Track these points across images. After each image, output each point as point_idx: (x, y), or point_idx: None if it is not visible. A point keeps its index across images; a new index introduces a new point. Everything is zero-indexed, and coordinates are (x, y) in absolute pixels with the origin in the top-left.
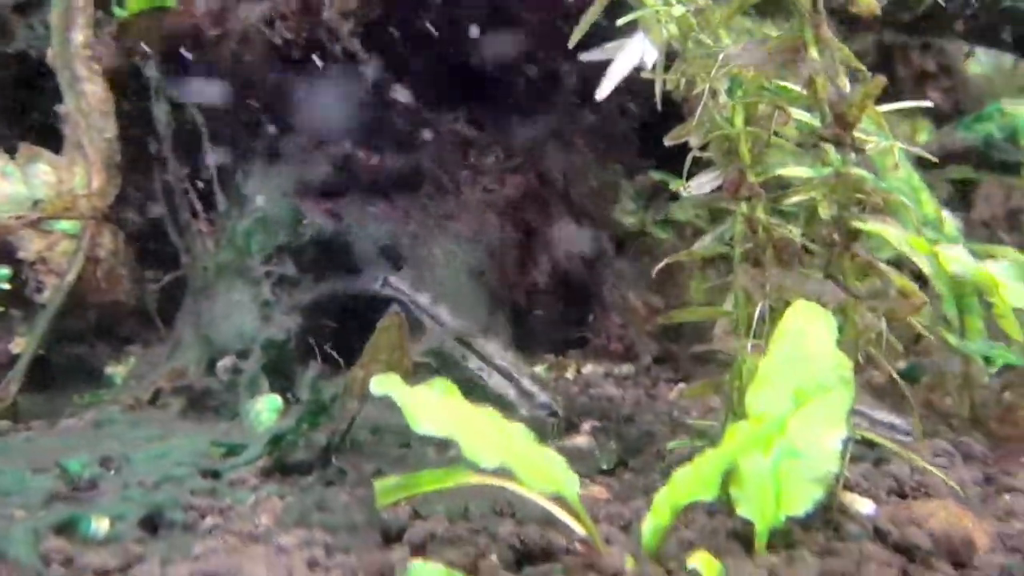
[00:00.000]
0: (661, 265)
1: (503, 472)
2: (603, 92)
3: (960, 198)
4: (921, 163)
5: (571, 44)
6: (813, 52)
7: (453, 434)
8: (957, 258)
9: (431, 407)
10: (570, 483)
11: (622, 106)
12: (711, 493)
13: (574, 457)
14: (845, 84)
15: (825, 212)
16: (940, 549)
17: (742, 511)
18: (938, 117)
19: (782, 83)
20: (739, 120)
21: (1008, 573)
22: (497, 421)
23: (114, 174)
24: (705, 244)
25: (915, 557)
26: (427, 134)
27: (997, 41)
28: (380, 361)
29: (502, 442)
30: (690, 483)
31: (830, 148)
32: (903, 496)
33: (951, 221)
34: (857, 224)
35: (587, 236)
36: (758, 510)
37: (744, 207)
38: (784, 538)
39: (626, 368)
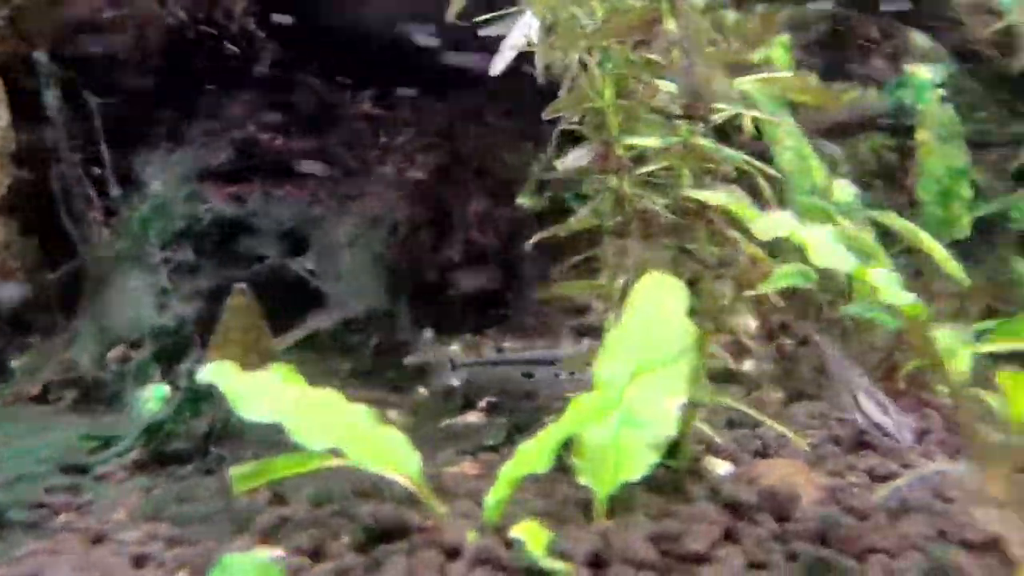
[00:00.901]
0: (534, 240)
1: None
2: (496, 68)
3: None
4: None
5: (449, 17)
6: (670, 24)
7: (280, 418)
8: (779, 224)
9: (260, 392)
10: (411, 462)
11: (535, 83)
12: (545, 465)
13: (462, 434)
14: (699, 55)
15: (684, 183)
16: (765, 505)
17: (582, 479)
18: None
19: (646, 55)
20: (608, 93)
21: (822, 521)
22: (336, 405)
23: (6, 163)
24: (579, 218)
25: (743, 514)
26: (336, 115)
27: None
28: (234, 342)
29: (337, 425)
30: (529, 456)
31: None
32: (765, 457)
33: (846, 188)
34: (692, 194)
35: (504, 213)
36: (597, 477)
37: (613, 180)
38: (626, 503)
39: (542, 344)
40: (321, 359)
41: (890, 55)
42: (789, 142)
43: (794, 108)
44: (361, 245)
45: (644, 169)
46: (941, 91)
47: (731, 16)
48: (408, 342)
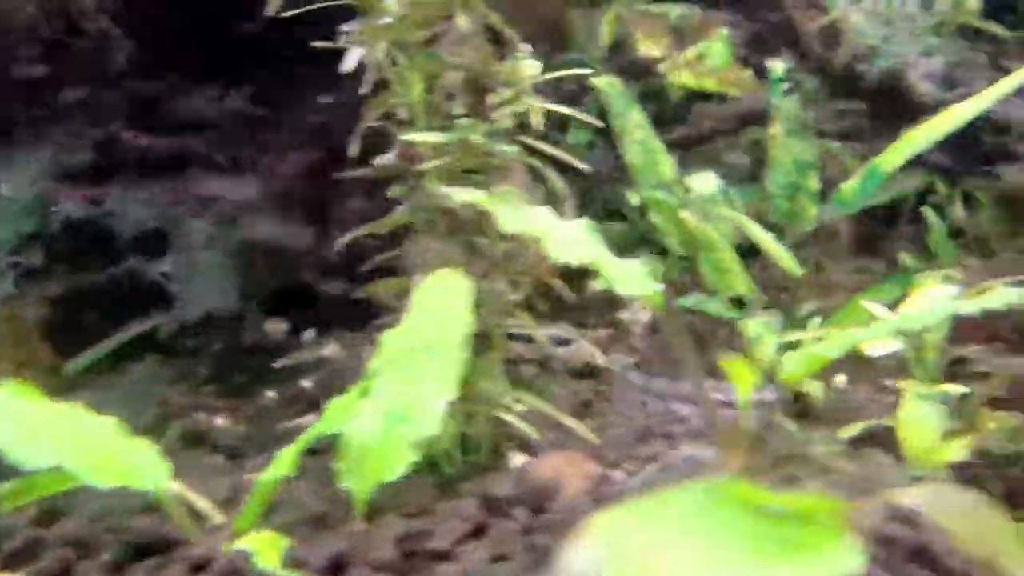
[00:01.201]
0: (348, 239)
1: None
2: (348, 64)
3: None
4: None
5: (269, 11)
6: (461, 19)
7: None
8: (521, 218)
9: None
10: (158, 477)
11: None
12: (289, 468)
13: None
14: (485, 51)
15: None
16: (524, 498)
17: (343, 482)
18: None
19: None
20: (416, 89)
21: (569, 513)
22: (77, 420)
23: None
24: (397, 215)
25: (498, 509)
26: (205, 113)
27: None
28: (6, 359)
29: (69, 441)
30: (280, 460)
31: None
32: (563, 448)
33: (709, 181)
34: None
35: (383, 210)
36: (357, 478)
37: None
38: (390, 503)
39: None
40: (167, 364)
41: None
42: (637, 135)
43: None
44: (217, 246)
45: (425, 166)
46: (785, 85)
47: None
48: (264, 345)
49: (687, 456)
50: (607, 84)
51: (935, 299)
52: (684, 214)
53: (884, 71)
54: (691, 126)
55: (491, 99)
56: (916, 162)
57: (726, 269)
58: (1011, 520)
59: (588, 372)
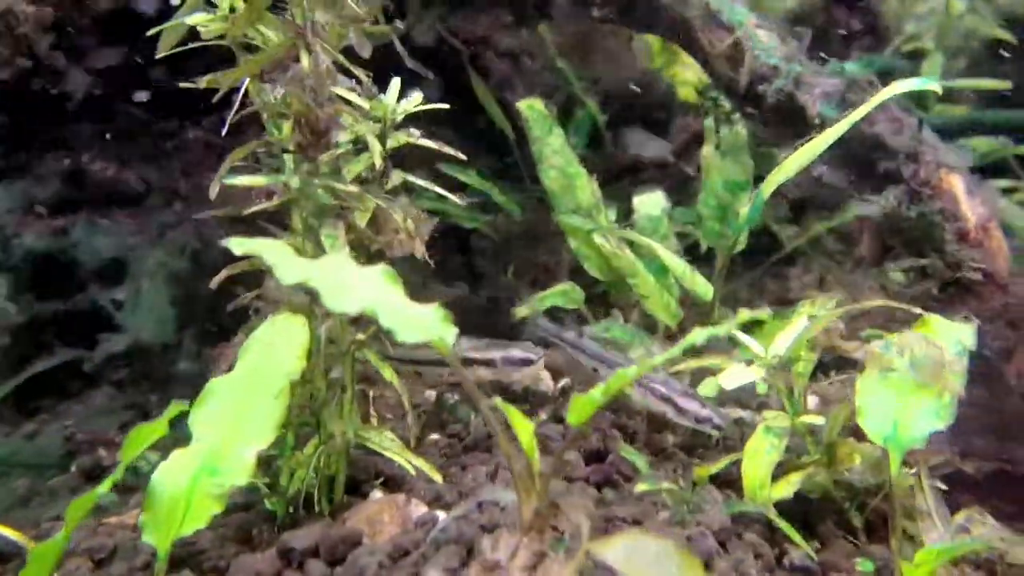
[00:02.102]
0: (219, 278)
1: None
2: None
3: None
4: None
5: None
6: (304, 60)
7: None
8: (296, 271)
9: None
10: None
11: None
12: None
13: None
14: (324, 93)
15: (297, 220)
16: (326, 548)
17: (146, 537)
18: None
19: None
20: (286, 128)
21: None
22: None
23: None
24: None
25: (293, 561)
26: (169, 144)
27: None
28: None
29: None
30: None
31: (295, 157)
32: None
33: (655, 203)
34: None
35: None
36: (159, 532)
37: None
38: (197, 557)
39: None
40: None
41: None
42: (555, 160)
43: None
44: (163, 274)
45: (254, 208)
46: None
47: None
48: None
49: (489, 500)
50: (527, 107)
51: (794, 331)
52: (598, 239)
53: (781, 91)
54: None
55: (340, 138)
56: (817, 183)
57: (645, 295)
58: (701, 569)
59: (524, 396)
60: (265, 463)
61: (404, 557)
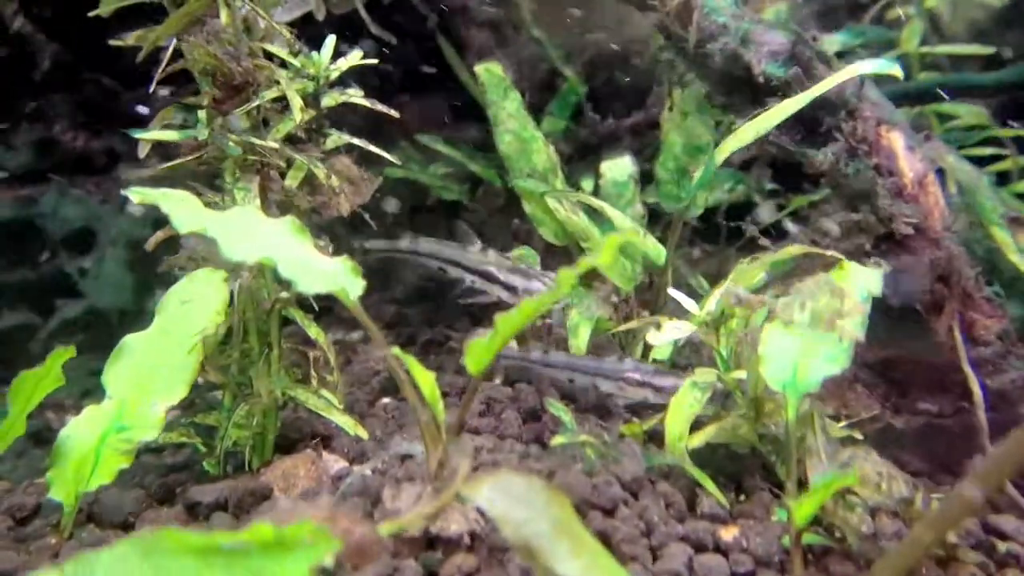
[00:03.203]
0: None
1: None
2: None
3: None
4: None
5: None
6: (223, 15)
7: None
8: (191, 220)
9: None
10: None
11: None
12: None
13: None
14: (242, 49)
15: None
16: (235, 501)
17: (52, 493)
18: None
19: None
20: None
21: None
22: None
23: None
24: None
25: (199, 514)
26: (139, 113)
27: None
28: None
29: None
30: None
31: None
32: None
33: (622, 167)
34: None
35: None
36: (65, 489)
37: None
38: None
39: (355, 335)
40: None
41: None
42: (510, 124)
43: None
44: (123, 242)
45: (172, 164)
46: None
47: None
48: None
49: (402, 453)
50: (484, 71)
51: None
52: (552, 203)
53: (726, 50)
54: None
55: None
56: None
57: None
58: (569, 504)
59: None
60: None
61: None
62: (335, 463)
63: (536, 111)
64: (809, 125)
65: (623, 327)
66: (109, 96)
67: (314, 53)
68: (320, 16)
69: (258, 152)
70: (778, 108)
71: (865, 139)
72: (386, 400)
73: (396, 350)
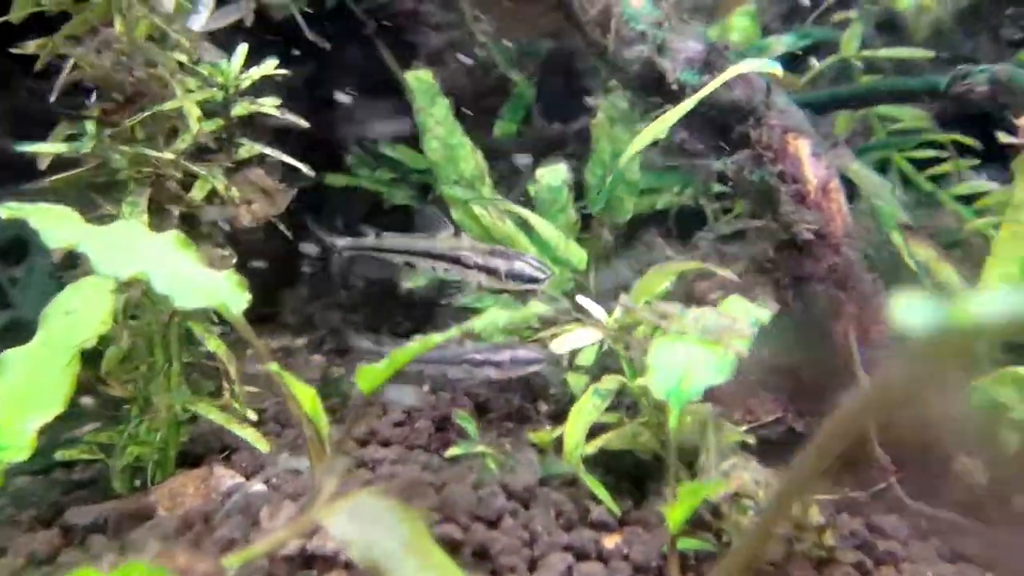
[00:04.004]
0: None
1: None
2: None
3: None
4: None
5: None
6: (117, 24)
7: None
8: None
9: None
10: None
11: None
12: None
13: None
14: (137, 58)
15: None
16: (114, 522)
17: None
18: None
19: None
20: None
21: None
22: None
23: None
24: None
25: (73, 538)
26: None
27: None
28: None
29: None
30: None
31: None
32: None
33: (558, 174)
34: None
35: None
36: None
37: None
38: None
39: (300, 341)
40: None
41: None
42: (438, 131)
43: None
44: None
45: (58, 177)
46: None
47: None
48: None
49: (291, 468)
50: (413, 78)
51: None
52: (478, 210)
53: (642, 57)
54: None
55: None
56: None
57: None
58: (423, 523)
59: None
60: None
61: (189, 530)
62: (230, 479)
63: (490, 114)
64: (721, 132)
65: (537, 336)
66: (42, 103)
67: (223, 61)
68: (248, 22)
69: (152, 164)
70: (672, 112)
71: (770, 146)
72: None
73: (274, 366)
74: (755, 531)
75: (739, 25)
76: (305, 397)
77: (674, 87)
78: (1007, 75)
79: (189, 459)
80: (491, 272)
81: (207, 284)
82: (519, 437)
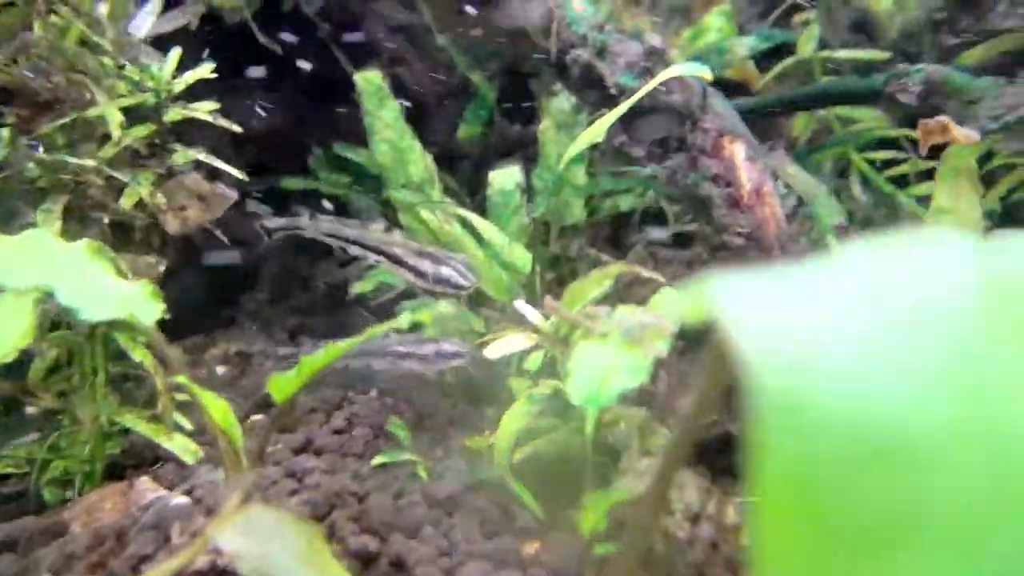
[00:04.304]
0: None
1: None
2: None
3: None
4: None
5: None
6: (37, 28)
7: None
8: None
9: None
10: None
11: None
12: None
13: None
14: (57, 64)
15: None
16: (26, 538)
17: None
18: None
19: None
20: None
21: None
22: None
23: None
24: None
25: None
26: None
27: None
28: None
29: None
30: None
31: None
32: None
33: (510, 177)
34: None
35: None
36: None
37: None
38: None
39: (257, 346)
40: None
41: None
42: (387, 134)
43: None
44: None
45: None
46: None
47: None
48: None
49: (211, 480)
50: (363, 80)
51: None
52: (425, 214)
53: (581, 61)
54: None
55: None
56: (619, 154)
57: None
58: (320, 535)
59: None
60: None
61: (100, 547)
62: (151, 492)
63: (455, 116)
64: (661, 136)
65: (479, 341)
66: None
67: (153, 66)
68: (193, 25)
69: (72, 172)
70: (607, 116)
71: (705, 150)
72: (258, 417)
73: (182, 378)
74: (632, 528)
75: (715, 25)
76: (216, 409)
77: (613, 91)
78: (940, 76)
79: (119, 471)
80: (419, 274)
81: (117, 295)
82: (457, 444)
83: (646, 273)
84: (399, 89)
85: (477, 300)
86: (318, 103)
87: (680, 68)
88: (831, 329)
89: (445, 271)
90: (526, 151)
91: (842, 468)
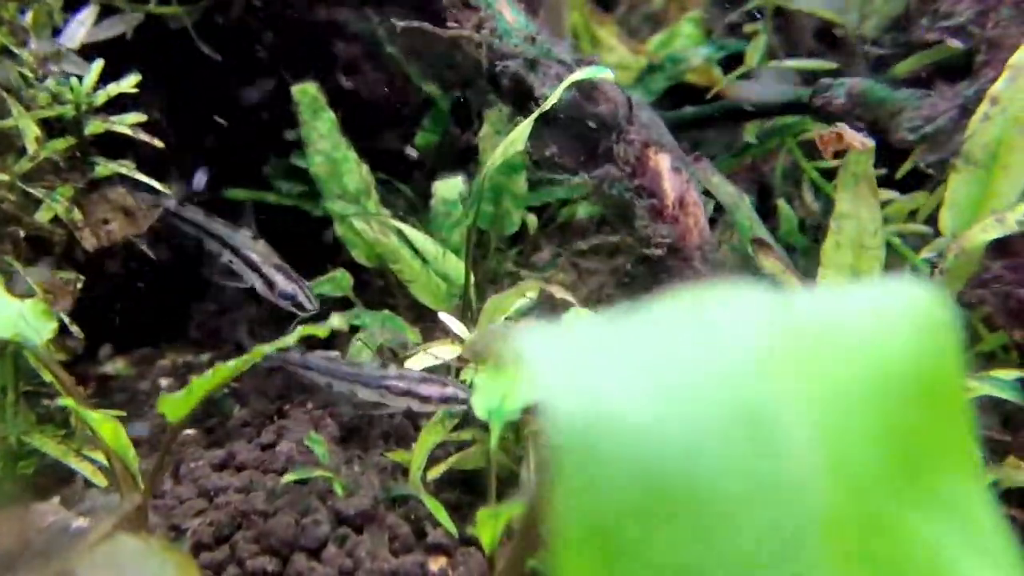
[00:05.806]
0: None
1: None
2: None
3: None
4: None
5: None
6: None
7: None
8: None
9: None
10: None
11: None
12: None
13: None
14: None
15: None
16: None
17: None
18: None
19: None
20: None
21: None
22: None
23: None
24: None
25: None
26: None
27: None
28: None
29: None
30: None
31: None
32: None
33: (453, 187)
34: None
35: None
36: None
37: None
38: None
39: (204, 356)
40: None
41: None
42: (322, 145)
43: None
44: None
45: None
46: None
47: None
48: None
49: (99, 504)
50: (299, 91)
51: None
52: (360, 225)
53: (511, 73)
54: None
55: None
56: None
57: (409, 280)
58: (190, 561)
59: None
60: None
61: None
62: (52, 515)
63: (413, 124)
64: (590, 147)
65: (408, 353)
66: None
67: (73, 78)
68: (128, 35)
69: None
70: (522, 125)
71: (629, 161)
72: (190, 431)
73: (70, 401)
74: (519, 532)
75: (684, 31)
76: (106, 431)
77: (541, 102)
78: (861, 89)
79: (35, 491)
80: (268, 284)
81: (5, 315)
82: (369, 458)
83: (559, 293)
84: (354, 98)
85: (416, 311)
86: (276, 111)
87: (582, 72)
88: (629, 388)
89: (292, 288)
90: (476, 159)
91: (632, 522)
